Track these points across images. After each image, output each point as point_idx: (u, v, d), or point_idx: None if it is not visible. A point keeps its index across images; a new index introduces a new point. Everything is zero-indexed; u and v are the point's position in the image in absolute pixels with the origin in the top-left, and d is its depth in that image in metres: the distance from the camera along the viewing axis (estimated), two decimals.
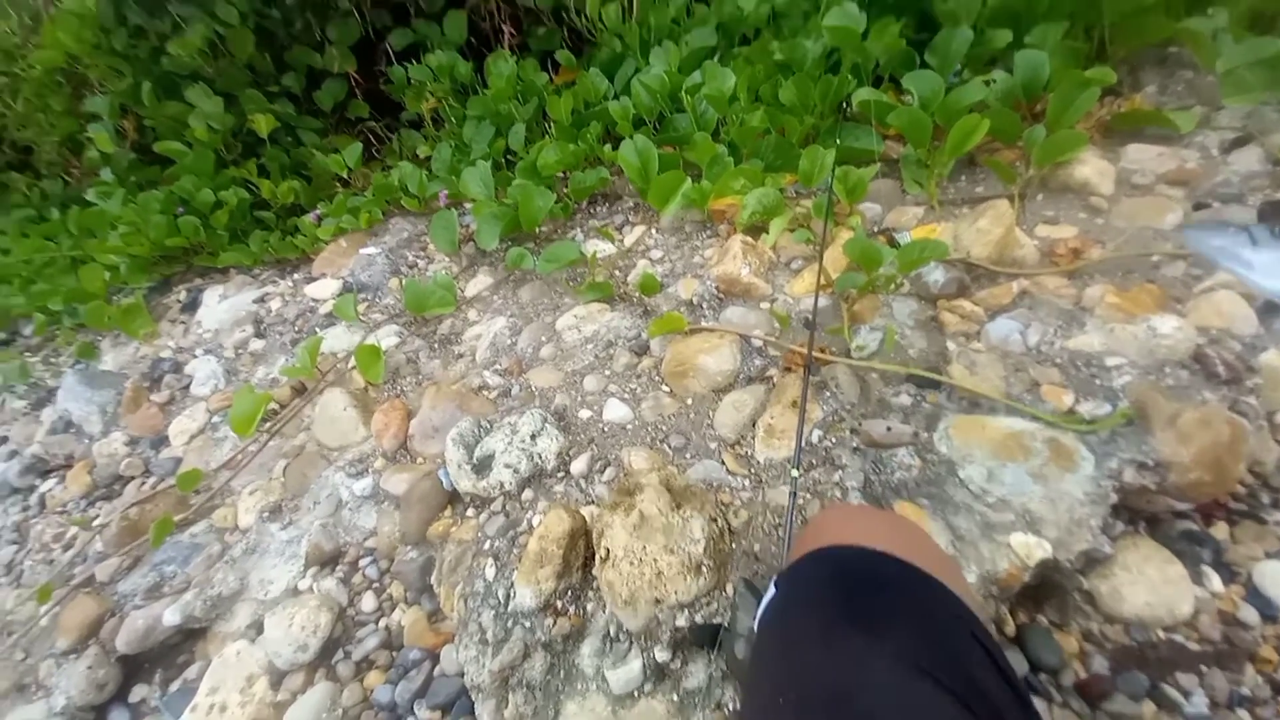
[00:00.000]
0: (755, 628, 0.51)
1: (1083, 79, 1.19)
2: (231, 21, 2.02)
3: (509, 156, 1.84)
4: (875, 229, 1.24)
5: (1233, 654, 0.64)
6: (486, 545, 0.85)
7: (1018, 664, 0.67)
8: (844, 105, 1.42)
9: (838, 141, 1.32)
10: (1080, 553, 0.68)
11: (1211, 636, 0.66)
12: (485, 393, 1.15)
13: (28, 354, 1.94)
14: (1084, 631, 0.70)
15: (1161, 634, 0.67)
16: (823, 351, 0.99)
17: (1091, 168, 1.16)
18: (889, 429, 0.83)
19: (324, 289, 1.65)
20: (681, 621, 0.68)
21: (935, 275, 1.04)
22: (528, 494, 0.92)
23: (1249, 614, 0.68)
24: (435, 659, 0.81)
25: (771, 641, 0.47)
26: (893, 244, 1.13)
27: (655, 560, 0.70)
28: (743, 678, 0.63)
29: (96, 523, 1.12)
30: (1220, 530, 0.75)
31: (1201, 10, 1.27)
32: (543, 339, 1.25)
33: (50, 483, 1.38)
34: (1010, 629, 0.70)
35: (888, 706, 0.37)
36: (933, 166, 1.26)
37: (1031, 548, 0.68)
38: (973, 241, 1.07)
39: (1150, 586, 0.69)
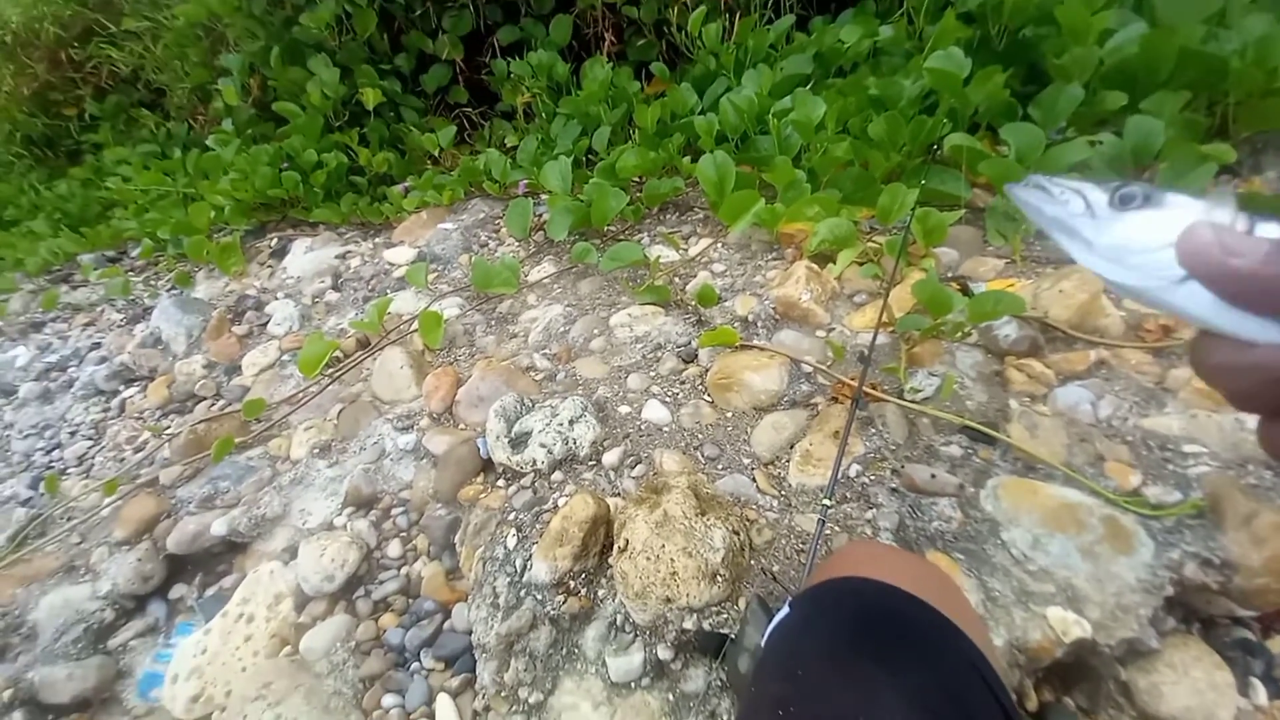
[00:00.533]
0: (763, 643, 0.51)
1: (1199, 153, 1.13)
2: (360, 2, 2.19)
3: (590, 156, 1.90)
4: (949, 274, 1.20)
5: None
6: (512, 516, 0.87)
7: None
8: (934, 148, 1.40)
9: (923, 181, 1.29)
10: (1123, 640, 0.64)
11: None
12: (532, 373, 1.19)
13: (131, 274, 2.14)
14: None
15: None
16: (874, 388, 0.97)
17: None
18: (933, 476, 0.80)
19: (400, 255, 1.75)
20: (689, 625, 0.68)
21: (1007, 330, 1.00)
22: (558, 475, 0.94)
23: None
24: (447, 613, 0.84)
25: (779, 659, 0.47)
26: (965, 292, 1.10)
27: (672, 560, 0.70)
28: (742, 692, 0.62)
29: (168, 432, 1.22)
30: (1277, 644, 0.68)
31: None
32: (595, 332, 1.27)
33: (132, 390, 1.51)
34: (1033, 704, 0.66)
35: None
36: (1020, 221, 1.22)
37: (1069, 624, 0.64)
38: (1052, 302, 1.03)
39: (1193, 689, 0.64)
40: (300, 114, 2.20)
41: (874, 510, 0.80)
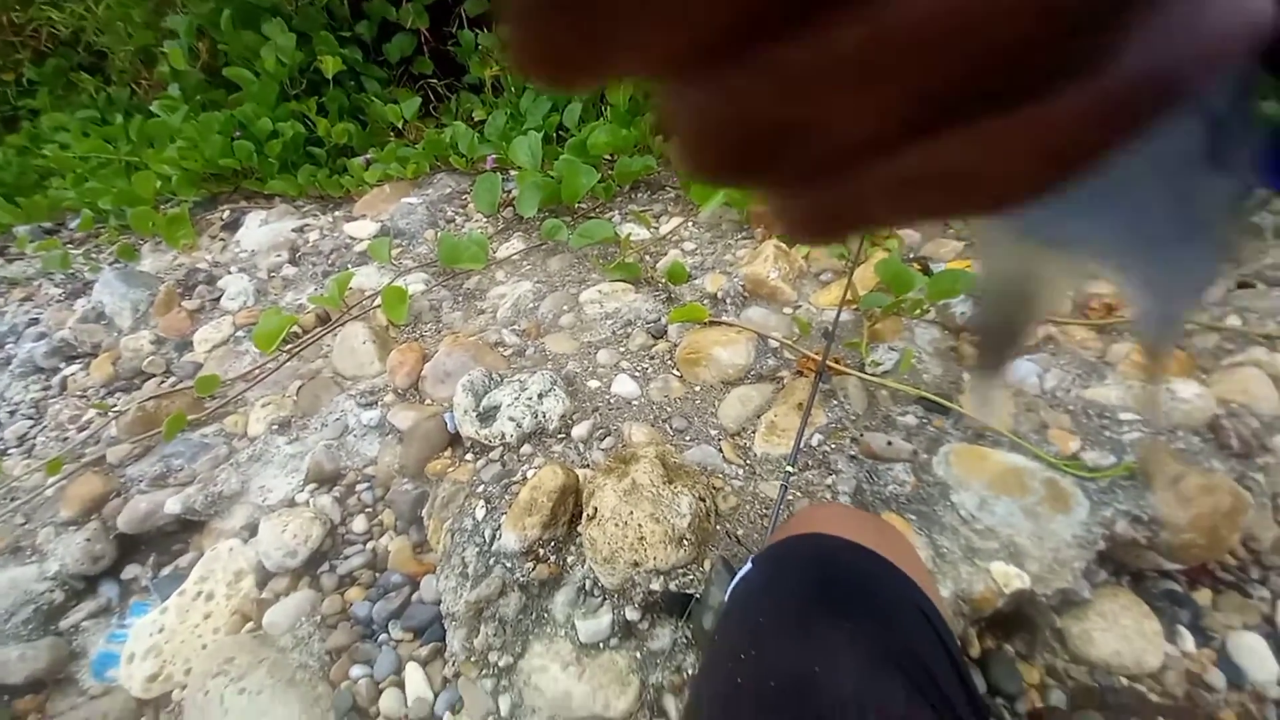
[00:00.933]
0: (726, 599, 0.53)
1: None
2: None
3: (561, 133, 1.86)
4: (910, 255, 1.24)
5: (1193, 712, 0.64)
6: (480, 489, 0.87)
7: (978, 684, 0.67)
8: None
9: None
10: (1058, 591, 0.68)
11: (1175, 692, 0.66)
12: (500, 349, 1.18)
13: (70, 246, 2.01)
14: (1048, 666, 0.70)
15: (1125, 681, 0.67)
16: (837, 362, 1.00)
17: None
18: (889, 443, 0.84)
19: (362, 229, 1.69)
20: (656, 586, 0.70)
21: (963, 308, 1.04)
22: (526, 448, 0.94)
23: (1216, 678, 0.67)
24: (415, 586, 0.84)
25: (742, 613, 0.49)
26: (926, 271, 1.14)
27: (640, 525, 0.71)
28: (706, 647, 0.64)
29: (115, 409, 1.17)
30: (1203, 596, 0.74)
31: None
32: (564, 308, 1.27)
33: (74, 368, 1.43)
34: (976, 651, 0.70)
35: (848, 690, 0.38)
36: None
37: (1010, 577, 0.68)
38: None
39: (1123, 635, 0.69)
40: (254, 80, 2.09)
41: (834, 476, 0.83)
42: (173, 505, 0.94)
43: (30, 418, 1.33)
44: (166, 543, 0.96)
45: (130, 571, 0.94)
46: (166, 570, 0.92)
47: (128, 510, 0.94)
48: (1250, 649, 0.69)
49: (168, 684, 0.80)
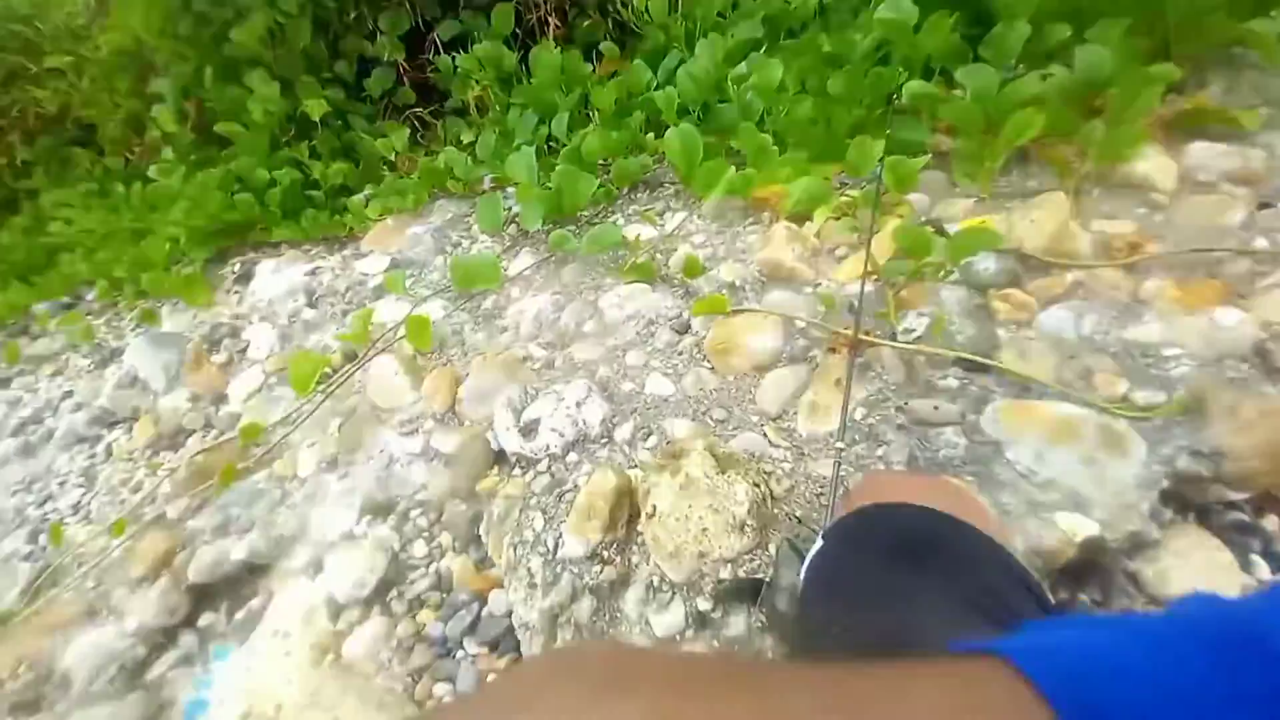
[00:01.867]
0: (801, 577, 0.53)
1: (1147, 75, 1.17)
2: (291, 11, 2.11)
3: (551, 144, 1.88)
4: (923, 219, 1.24)
5: None
6: (534, 501, 0.88)
7: None
8: (893, 98, 1.42)
9: (888, 132, 1.32)
10: (1128, 534, 0.68)
11: None
12: (530, 363, 1.19)
13: (90, 317, 2.05)
14: (1126, 611, 0.70)
15: None
16: (868, 334, 1.00)
17: (1154, 164, 1.14)
18: (936, 408, 0.84)
19: (373, 264, 1.71)
20: (725, 575, 0.70)
21: (986, 264, 1.03)
22: (572, 456, 0.95)
23: None
24: (483, 601, 0.85)
25: (821, 587, 0.49)
26: (941, 234, 1.13)
27: (700, 518, 0.72)
28: (783, 631, 0.65)
29: (165, 468, 1.19)
30: (1271, 522, 0.74)
31: (1265, 12, 1.25)
32: (585, 315, 1.28)
33: (116, 433, 1.46)
34: (1051, 605, 0.70)
35: (936, 640, 0.39)
36: (985, 159, 1.26)
37: (1078, 526, 0.68)
38: (1026, 233, 1.07)
39: (1196, 571, 0.69)
40: (244, 133, 2.12)
41: (884, 447, 0.83)
42: (238, 552, 0.96)
43: (81, 485, 1.36)
44: (236, 588, 0.99)
45: (206, 619, 0.96)
46: (240, 614, 0.94)
47: (196, 561, 0.97)
48: None
49: None
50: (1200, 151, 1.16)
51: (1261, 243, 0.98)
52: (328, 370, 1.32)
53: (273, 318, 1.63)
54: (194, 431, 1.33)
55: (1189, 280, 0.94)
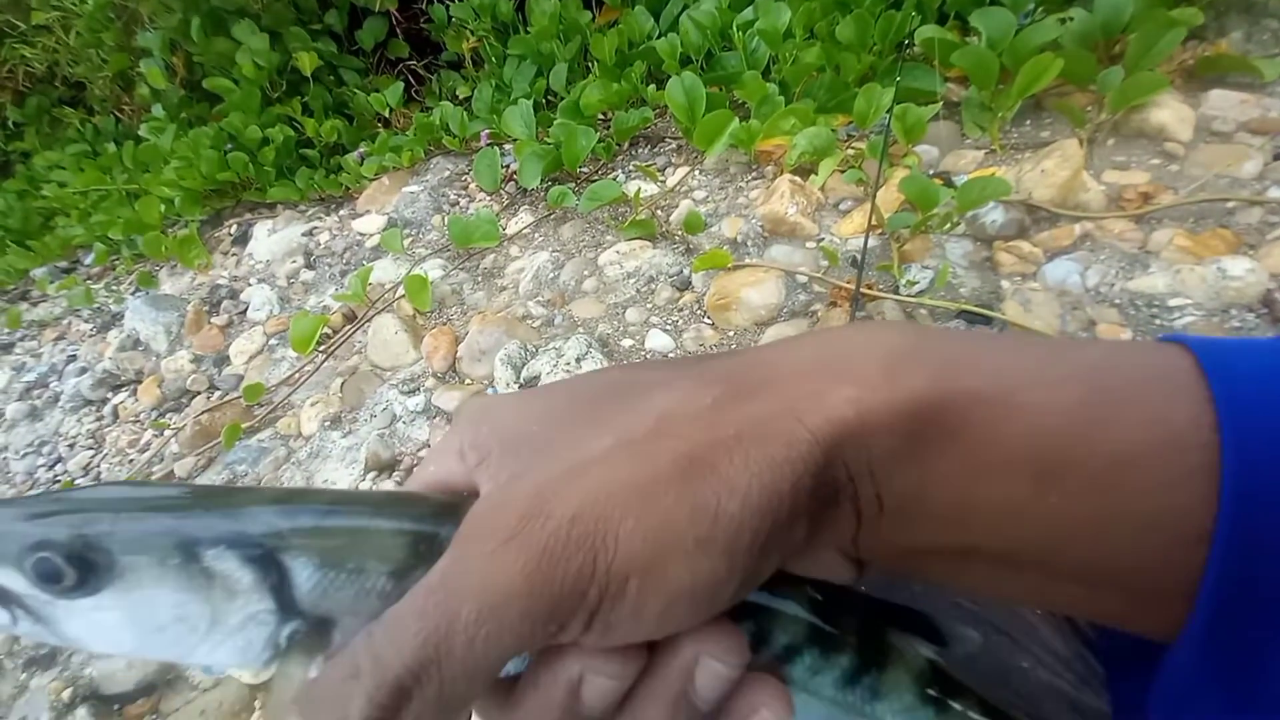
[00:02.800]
0: None
1: (1168, 19, 1.11)
2: None
3: (550, 97, 1.82)
4: (931, 172, 1.20)
5: None
6: None
7: None
8: (905, 44, 1.36)
9: (897, 81, 1.27)
10: None
11: None
12: (529, 321, 1.18)
13: (89, 281, 2.05)
14: None
15: None
16: (870, 288, 0.99)
17: (1170, 112, 1.10)
18: None
19: (370, 224, 1.69)
20: None
21: (993, 216, 1.01)
22: None
23: None
24: None
25: None
26: (949, 185, 1.10)
27: None
28: None
29: (171, 428, 1.21)
30: None
31: None
32: (585, 273, 1.26)
33: (122, 395, 1.48)
34: None
35: None
36: (996, 109, 1.22)
37: None
38: (1036, 184, 1.04)
39: None
40: (234, 88, 2.06)
41: None
42: None
43: (90, 448, 1.39)
44: None
45: None
46: None
47: None
48: None
49: None
50: (1218, 100, 1.12)
51: (1275, 193, 0.95)
52: (327, 331, 1.31)
53: (271, 279, 1.62)
54: (198, 393, 1.34)
55: (1199, 230, 0.92)
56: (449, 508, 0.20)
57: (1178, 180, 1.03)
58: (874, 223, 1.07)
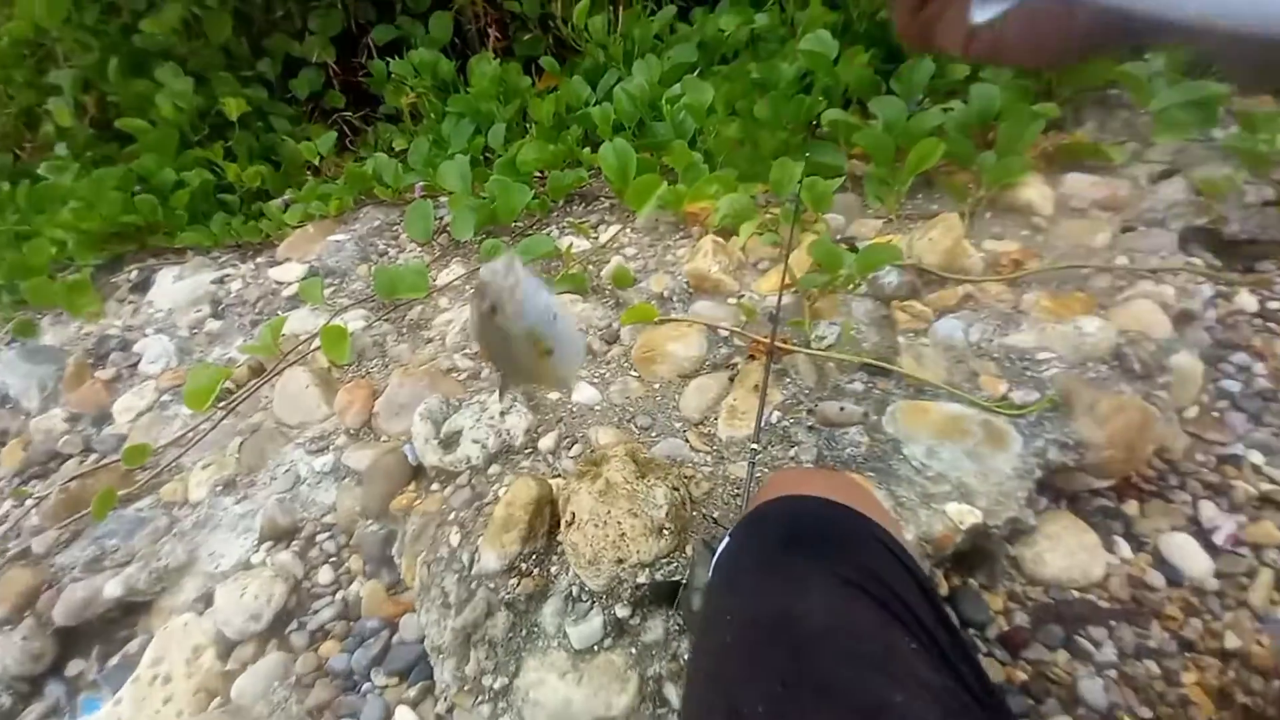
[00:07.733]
0: (709, 575, 0.54)
1: (1030, 112, 1.31)
2: (210, 3, 2.00)
3: (487, 154, 1.86)
4: (838, 237, 1.31)
5: (1140, 612, 0.71)
6: (451, 516, 0.85)
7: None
8: (814, 124, 1.51)
9: (807, 155, 1.40)
10: (1008, 520, 0.74)
11: (1121, 596, 0.73)
12: (454, 374, 1.16)
13: None
14: (1009, 592, 0.75)
15: (1076, 593, 0.73)
16: (785, 342, 1.04)
17: (1035, 191, 1.27)
18: (842, 409, 0.88)
19: (288, 273, 1.62)
20: (642, 580, 0.70)
21: (890, 278, 1.11)
22: (495, 468, 0.93)
23: (1156, 579, 0.75)
24: (394, 628, 0.80)
25: (723, 580, 0.50)
26: (852, 250, 1.21)
27: (619, 522, 0.72)
28: (697, 624, 0.66)
29: (33, 498, 1.06)
30: (1131, 507, 0.82)
31: (1139, 57, 1.42)
32: None
33: None
34: (944, 590, 0.75)
35: (820, 621, 0.41)
36: (893, 184, 1.36)
37: (964, 515, 0.74)
38: (925, 250, 1.15)
39: (1068, 552, 0.76)
40: (149, 129, 1.97)
41: (795, 448, 0.86)
42: (112, 589, 0.86)
43: None
44: (110, 630, 0.88)
45: (74, 667, 0.85)
46: (114, 659, 0.84)
47: (63, 601, 0.86)
48: (1181, 548, 0.77)
49: None
50: (1074, 181, 1.30)
51: (1123, 260, 1.11)
52: (229, 385, 1.22)
53: (171, 329, 1.50)
54: (70, 456, 1.20)
55: (1060, 293, 1.04)
56: None
57: (1044, 249, 1.17)
58: (788, 281, 1.14)
